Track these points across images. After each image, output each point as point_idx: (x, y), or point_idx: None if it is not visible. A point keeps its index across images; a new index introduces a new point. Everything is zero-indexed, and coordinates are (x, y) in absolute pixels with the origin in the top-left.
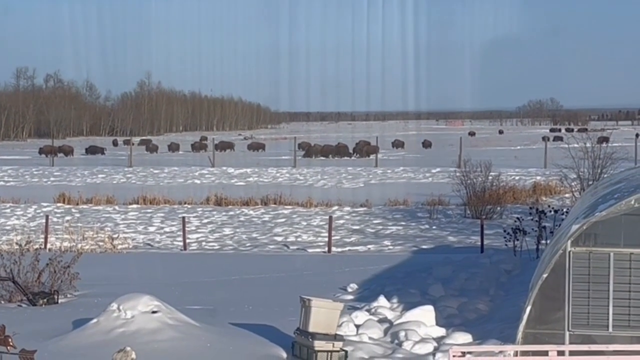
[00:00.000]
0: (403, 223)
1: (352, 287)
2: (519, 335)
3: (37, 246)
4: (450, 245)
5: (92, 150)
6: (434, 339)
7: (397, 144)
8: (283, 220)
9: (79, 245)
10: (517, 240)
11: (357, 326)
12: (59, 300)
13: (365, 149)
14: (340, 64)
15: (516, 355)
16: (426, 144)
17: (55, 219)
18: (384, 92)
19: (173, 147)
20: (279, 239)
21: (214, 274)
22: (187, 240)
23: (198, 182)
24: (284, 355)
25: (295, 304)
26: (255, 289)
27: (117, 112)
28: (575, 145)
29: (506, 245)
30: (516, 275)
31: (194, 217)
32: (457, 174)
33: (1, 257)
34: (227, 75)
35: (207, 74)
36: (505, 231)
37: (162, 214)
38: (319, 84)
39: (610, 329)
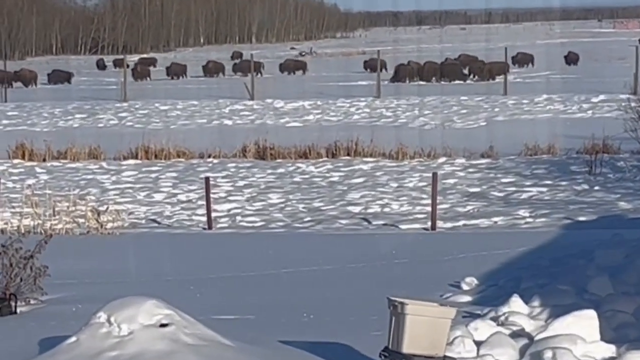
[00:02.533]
0: (548, 182)
1: (469, 282)
2: None
3: None
4: (623, 215)
5: (55, 77)
6: None
7: (521, 60)
8: (361, 180)
9: (48, 224)
10: None
11: (478, 343)
12: (18, 309)
13: (487, 68)
14: None
15: None
16: (570, 59)
17: (10, 184)
18: None
19: (174, 71)
20: (356, 209)
21: (254, 264)
22: (214, 214)
23: (229, 122)
24: None
25: (381, 310)
26: (318, 287)
27: (103, 17)
28: None
29: None
30: None
31: (223, 177)
32: (633, 104)
33: None
34: None
35: None
36: None
37: (174, 174)
38: None
39: None
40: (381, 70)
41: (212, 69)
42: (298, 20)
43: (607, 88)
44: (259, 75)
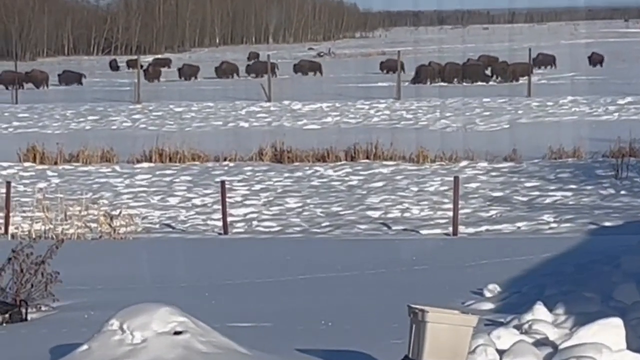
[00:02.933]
0: (573, 186)
1: (492, 289)
2: None
3: None
4: None
5: (65, 77)
6: None
7: (542, 61)
8: (381, 184)
9: (59, 229)
10: None
11: (501, 352)
12: (29, 316)
13: (510, 69)
14: None
15: None
16: (595, 60)
17: (21, 188)
18: None
19: (186, 72)
20: (375, 214)
21: (271, 270)
22: (230, 219)
23: (245, 125)
24: None
25: (401, 318)
26: (336, 294)
27: (116, 17)
28: None
29: None
30: None
31: (239, 181)
32: None
33: None
34: None
35: None
36: None
37: (188, 178)
38: None
39: None
40: (402, 71)
41: (225, 70)
42: (316, 20)
43: (634, 90)
44: (274, 76)
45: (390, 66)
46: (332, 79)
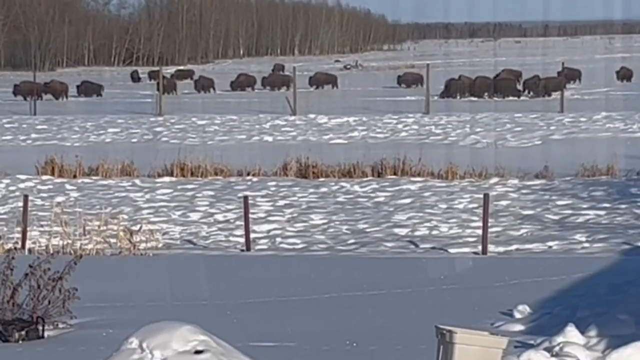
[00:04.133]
0: (606, 205)
1: (522, 310)
2: None
3: (9, 246)
4: None
5: (84, 89)
6: None
7: (567, 76)
8: (408, 201)
9: (78, 244)
10: None
11: None
12: (45, 333)
13: (543, 84)
14: None
15: None
16: (623, 75)
17: (39, 202)
18: None
19: (203, 85)
20: (402, 231)
21: (294, 289)
22: (253, 235)
23: (269, 139)
24: None
25: (429, 339)
26: (362, 313)
27: (138, 27)
28: None
29: None
30: None
31: (262, 197)
32: None
33: None
34: None
35: None
36: None
37: (211, 193)
38: None
39: None
40: (417, 85)
41: (243, 83)
42: (343, 31)
43: None
44: (286, 89)
45: (407, 80)
46: (359, 92)
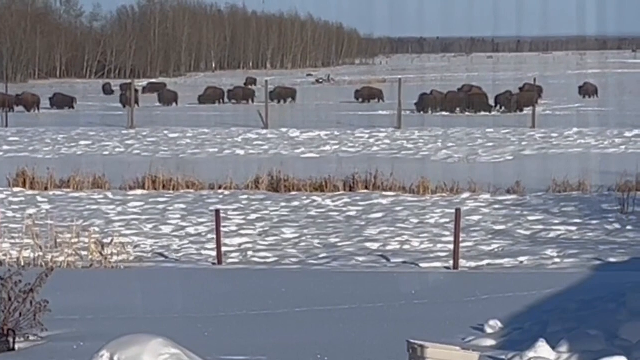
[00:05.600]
0: (577, 220)
1: (493, 325)
2: None
3: None
4: None
5: (57, 100)
6: None
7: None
8: (380, 215)
9: (49, 256)
10: None
11: None
12: (16, 346)
13: (514, 99)
14: None
15: None
16: (587, 91)
17: (10, 214)
18: (546, 6)
19: (167, 98)
20: (374, 246)
21: (266, 302)
22: (224, 249)
23: (241, 152)
24: None
25: (400, 354)
26: (333, 327)
27: (110, 39)
28: None
29: None
30: None
31: (234, 210)
32: None
33: None
34: None
35: None
36: None
37: (183, 206)
38: None
39: None
40: (378, 100)
41: (211, 96)
42: (316, 45)
43: None
44: (251, 102)
45: (364, 95)
46: (332, 106)
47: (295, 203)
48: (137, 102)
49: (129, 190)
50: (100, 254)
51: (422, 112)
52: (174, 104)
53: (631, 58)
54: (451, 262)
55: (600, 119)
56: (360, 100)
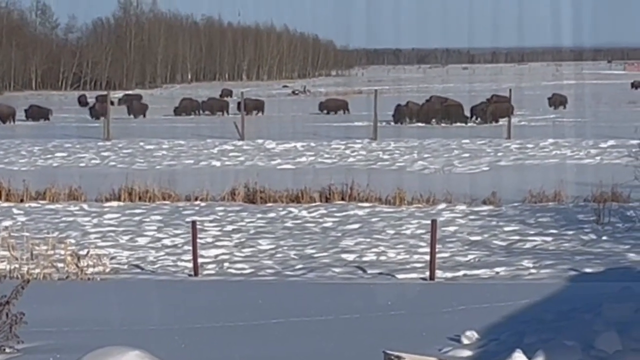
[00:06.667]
0: (553, 231)
1: (470, 336)
2: None
3: None
4: (632, 267)
5: (33, 112)
6: None
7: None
8: (356, 226)
9: (25, 269)
10: None
11: None
12: None
13: (490, 110)
14: None
15: None
16: (555, 102)
17: None
18: (522, 17)
19: (136, 109)
20: (350, 257)
21: (242, 314)
22: (200, 260)
23: (217, 164)
24: None
25: None
26: (310, 339)
27: (86, 51)
28: None
29: None
30: None
31: (210, 222)
32: None
33: None
34: None
35: None
36: None
37: (159, 217)
38: (414, 2)
39: None
40: (343, 112)
41: (187, 107)
42: (291, 56)
43: (617, 133)
44: (225, 114)
45: (329, 106)
46: (309, 117)
47: (272, 214)
48: (105, 114)
49: (104, 202)
50: (77, 265)
51: (398, 123)
52: (142, 116)
53: (606, 69)
54: (427, 273)
55: (575, 130)
56: (325, 111)
